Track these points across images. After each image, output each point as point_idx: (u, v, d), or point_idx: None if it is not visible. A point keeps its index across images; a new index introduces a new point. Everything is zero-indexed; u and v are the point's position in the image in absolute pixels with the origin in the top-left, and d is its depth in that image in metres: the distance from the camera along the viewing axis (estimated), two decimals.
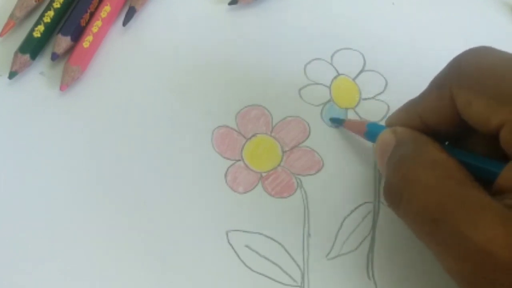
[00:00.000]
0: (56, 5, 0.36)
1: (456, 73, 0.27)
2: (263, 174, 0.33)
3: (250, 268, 0.31)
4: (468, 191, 0.24)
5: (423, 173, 0.25)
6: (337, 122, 0.34)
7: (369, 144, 0.33)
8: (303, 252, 0.31)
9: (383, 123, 0.32)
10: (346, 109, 0.35)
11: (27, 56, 0.35)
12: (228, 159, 0.33)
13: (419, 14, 0.38)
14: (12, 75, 0.35)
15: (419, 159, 0.26)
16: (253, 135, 0.34)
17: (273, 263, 0.31)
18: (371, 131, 0.31)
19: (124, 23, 0.37)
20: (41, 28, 0.35)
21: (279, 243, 0.32)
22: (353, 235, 0.32)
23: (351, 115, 0.35)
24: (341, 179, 0.33)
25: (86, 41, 0.35)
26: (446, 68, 0.28)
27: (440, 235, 0.24)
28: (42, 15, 0.36)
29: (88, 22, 0.36)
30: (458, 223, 0.23)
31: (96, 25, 0.36)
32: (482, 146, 0.27)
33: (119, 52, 0.37)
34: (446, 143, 0.29)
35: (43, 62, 0.36)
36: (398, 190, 0.26)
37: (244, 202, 0.32)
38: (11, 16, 0.36)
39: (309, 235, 0.32)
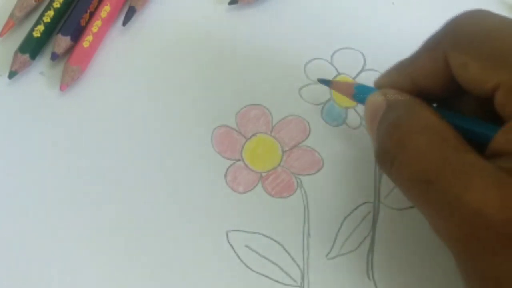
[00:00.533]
0: (56, 5, 0.36)
1: (451, 35, 0.26)
2: (263, 174, 0.33)
3: (250, 268, 0.31)
4: (461, 155, 0.24)
5: (416, 138, 0.25)
6: (324, 83, 0.33)
7: (369, 143, 0.33)
8: (303, 252, 0.31)
9: None
10: (346, 108, 0.35)
11: (27, 56, 0.35)
12: (228, 159, 0.33)
13: (419, 14, 0.38)
14: (12, 75, 0.35)
15: (412, 123, 0.25)
16: (253, 135, 0.34)
17: (273, 263, 0.31)
18: (359, 93, 0.30)
19: (124, 23, 0.37)
20: (41, 28, 0.35)
21: (279, 243, 0.32)
22: (353, 235, 0.32)
23: (351, 115, 0.35)
24: (341, 179, 0.33)
25: (86, 41, 0.35)
26: (441, 29, 0.27)
27: (432, 196, 0.24)
28: (42, 15, 0.36)
29: (88, 22, 0.36)
30: (451, 185, 0.23)
31: (96, 25, 0.36)
32: (471, 108, 0.27)
33: (119, 52, 0.37)
34: (434, 104, 0.28)
35: (43, 62, 0.36)
36: (391, 155, 0.26)
37: (244, 202, 0.32)
38: (11, 16, 0.36)
39: (309, 235, 0.32)
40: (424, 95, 0.27)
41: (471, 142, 0.25)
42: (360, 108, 0.35)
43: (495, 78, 0.24)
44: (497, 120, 0.25)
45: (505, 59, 0.24)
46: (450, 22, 0.27)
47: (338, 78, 0.36)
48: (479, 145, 0.25)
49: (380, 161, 0.27)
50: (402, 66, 0.29)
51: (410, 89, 0.28)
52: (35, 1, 0.37)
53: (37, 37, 0.35)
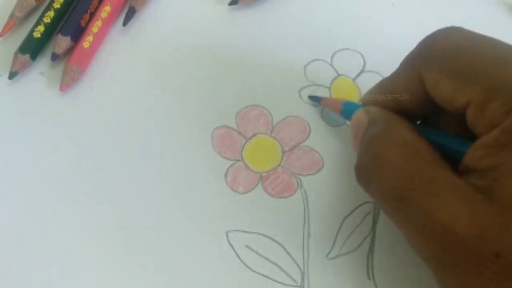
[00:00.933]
0: (56, 5, 0.36)
1: (425, 53, 0.27)
2: (263, 174, 0.33)
3: (250, 268, 0.31)
4: (434, 171, 0.24)
5: (391, 153, 0.25)
6: (315, 100, 0.35)
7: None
8: (303, 252, 0.31)
9: None
10: None
11: (27, 57, 0.35)
12: (228, 159, 0.33)
13: (419, 14, 0.38)
14: (12, 75, 0.35)
15: (388, 138, 0.26)
16: (253, 135, 0.34)
17: (273, 263, 0.31)
18: (346, 110, 0.31)
19: (124, 23, 0.37)
20: (41, 28, 0.36)
21: (279, 243, 0.32)
22: (353, 235, 0.32)
23: None
24: (341, 179, 0.33)
25: (86, 42, 0.35)
26: (416, 48, 0.28)
27: (406, 212, 0.24)
28: (42, 15, 0.36)
29: (88, 23, 0.36)
30: (423, 201, 0.24)
31: (96, 25, 0.36)
32: (452, 125, 0.27)
33: (119, 52, 0.37)
34: (418, 122, 0.29)
35: (43, 63, 0.36)
36: (367, 169, 0.26)
37: (244, 202, 0.32)
38: (11, 16, 0.36)
39: (309, 235, 0.32)
40: (405, 112, 0.28)
41: (451, 159, 0.25)
42: None
43: (465, 95, 0.24)
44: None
45: (474, 76, 0.24)
46: (424, 40, 0.28)
47: (338, 79, 0.36)
48: (458, 162, 0.25)
49: (358, 177, 0.27)
50: (384, 84, 0.29)
51: (392, 107, 0.28)
52: (35, 2, 0.37)
53: (37, 38, 0.35)
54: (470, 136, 0.25)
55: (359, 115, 0.29)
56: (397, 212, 0.25)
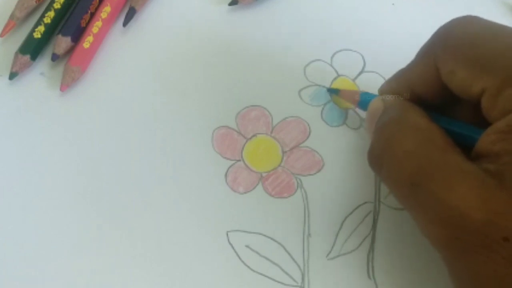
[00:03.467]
0: (57, 5, 0.36)
1: (441, 41, 0.27)
2: (263, 174, 0.33)
3: (250, 268, 0.31)
4: (447, 156, 0.24)
5: (404, 138, 0.26)
6: (333, 92, 0.35)
7: (369, 144, 0.33)
8: (303, 252, 0.31)
9: None
10: (347, 109, 0.35)
11: (27, 57, 0.35)
12: (228, 159, 0.33)
13: (419, 14, 0.38)
14: (12, 75, 0.35)
15: (401, 124, 0.26)
16: (253, 136, 0.34)
17: (273, 263, 0.31)
18: (364, 100, 0.31)
19: (124, 24, 0.37)
20: (41, 28, 0.36)
21: (279, 243, 0.32)
22: (353, 235, 0.32)
23: (351, 116, 0.35)
24: (341, 179, 0.33)
25: (87, 42, 0.35)
26: (432, 37, 0.28)
27: (418, 198, 0.24)
28: (42, 16, 0.36)
29: (88, 23, 0.36)
30: (434, 186, 0.24)
31: (96, 26, 0.36)
32: (467, 115, 0.28)
33: (119, 52, 0.37)
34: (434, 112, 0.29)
35: (44, 63, 0.36)
36: (379, 154, 0.27)
37: (244, 202, 0.32)
38: (12, 16, 0.36)
39: (309, 235, 0.32)
40: (421, 101, 0.28)
41: (464, 146, 0.25)
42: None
43: (480, 83, 0.25)
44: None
45: (490, 64, 0.25)
46: (440, 29, 0.28)
47: (338, 80, 0.36)
48: (471, 149, 0.25)
49: (371, 162, 0.28)
50: (400, 74, 0.29)
51: (408, 97, 0.28)
52: (36, 2, 0.37)
53: (38, 38, 0.35)
54: (484, 126, 0.25)
55: (376, 103, 0.29)
56: (408, 198, 0.25)
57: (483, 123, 0.25)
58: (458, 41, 0.26)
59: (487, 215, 0.22)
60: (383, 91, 0.30)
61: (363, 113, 0.35)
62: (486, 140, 0.24)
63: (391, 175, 0.26)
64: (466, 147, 0.25)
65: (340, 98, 0.34)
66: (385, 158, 0.26)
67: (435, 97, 0.28)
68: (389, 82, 0.30)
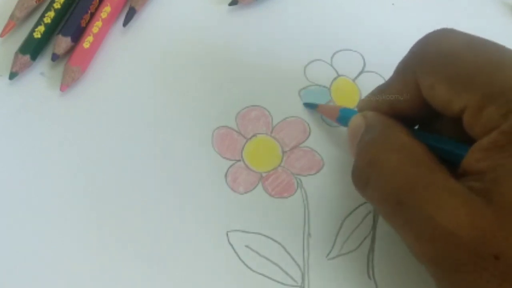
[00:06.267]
0: (57, 5, 0.36)
1: (419, 57, 0.27)
2: (263, 174, 0.33)
3: (250, 268, 0.31)
4: (432, 174, 0.24)
5: (388, 157, 0.25)
6: (310, 107, 0.35)
7: None
8: (303, 252, 0.31)
9: None
10: None
11: (27, 57, 0.35)
12: (228, 159, 0.34)
13: (419, 14, 0.38)
14: (12, 75, 0.35)
15: (385, 142, 0.26)
16: (253, 136, 0.34)
17: (273, 263, 0.31)
18: (343, 116, 0.31)
19: (124, 24, 0.37)
20: (41, 28, 0.36)
21: (279, 243, 0.32)
22: (353, 235, 0.32)
23: None
24: (341, 179, 0.33)
25: (87, 42, 0.35)
26: (409, 52, 0.28)
27: (404, 216, 0.24)
28: (42, 16, 0.36)
29: (88, 23, 0.36)
30: (422, 204, 0.24)
31: (96, 26, 0.36)
32: (450, 129, 0.28)
33: (120, 52, 0.37)
34: (416, 127, 0.29)
35: (44, 63, 0.36)
36: (364, 173, 0.26)
37: (244, 202, 0.32)
38: (12, 16, 0.36)
39: (309, 235, 0.32)
40: (403, 117, 0.28)
41: (448, 163, 0.25)
42: None
43: (462, 99, 0.24)
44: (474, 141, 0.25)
45: (470, 80, 0.24)
46: (416, 44, 0.28)
47: (338, 80, 0.36)
48: (456, 165, 0.25)
49: (355, 182, 0.27)
50: (380, 90, 0.29)
51: (388, 112, 0.28)
52: (36, 2, 0.37)
53: (38, 38, 0.35)
54: (468, 140, 0.25)
55: (356, 120, 0.29)
56: (395, 216, 0.25)
57: (466, 138, 0.25)
58: (436, 57, 0.26)
59: (476, 232, 0.22)
60: (363, 107, 0.30)
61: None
62: (471, 158, 0.24)
63: (376, 194, 0.26)
64: (449, 162, 0.25)
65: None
66: (370, 176, 0.26)
67: (416, 113, 0.28)
68: (368, 99, 0.30)
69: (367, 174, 0.26)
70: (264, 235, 0.32)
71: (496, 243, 0.22)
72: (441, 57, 0.26)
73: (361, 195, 0.27)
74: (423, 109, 0.27)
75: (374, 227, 0.32)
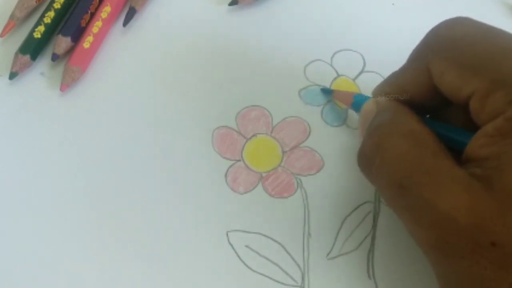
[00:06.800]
0: (57, 5, 0.36)
1: (431, 44, 0.27)
2: (263, 174, 0.33)
3: (250, 268, 0.31)
4: (437, 161, 0.24)
5: (396, 141, 0.26)
6: (326, 92, 0.35)
7: None
8: (303, 252, 0.31)
9: None
10: (347, 109, 0.35)
11: (27, 57, 0.35)
12: (228, 159, 0.34)
13: (419, 14, 0.38)
14: (12, 75, 0.35)
15: (393, 127, 0.26)
16: (253, 136, 0.34)
17: (273, 263, 0.31)
18: (357, 102, 0.31)
19: (125, 24, 0.37)
20: (41, 28, 0.36)
21: (279, 243, 0.32)
22: (354, 235, 0.32)
23: (351, 115, 0.35)
24: (341, 179, 0.33)
25: (87, 42, 0.35)
26: (423, 39, 0.28)
27: (406, 200, 0.24)
28: (42, 16, 0.36)
29: (88, 23, 0.36)
30: (423, 190, 0.24)
31: (96, 26, 0.36)
32: (460, 118, 0.28)
33: (120, 52, 0.37)
34: (428, 116, 0.29)
35: (44, 63, 0.36)
36: (370, 155, 0.26)
37: (244, 202, 0.32)
38: (12, 16, 0.36)
39: (309, 235, 0.32)
40: (414, 105, 0.28)
41: (456, 151, 0.25)
42: None
43: (470, 85, 0.24)
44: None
45: (479, 67, 0.25)
46: (430, 31, 0.28)
47: (338, 80, 0.36)
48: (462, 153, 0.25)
49: (360, 162, 0.28)
50: (393, 77, 0.29)
51: (400, 99, 0.28)
52: (36, 2, 0.37)
53: (38, 38, 0.35)
54: (475, 130, 0.25)
55: (369, 105, 0.29)
56: (397, 199, 0.25)
57: (474, 128, 0.25)
58: (448, 43, 0.26)
59: (474, 219, 0.22)
60: (376, 93, 0.30)
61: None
62: (475, 144, 0.24)
63: (380, 176, 0.26)
64: (457, 151, 0.25)
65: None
66: (375, 159, 0.26)
67: (427, 100, 0.28)
68: (382, 85, 0.30)
69: (373, 157, 0.26)
70: (264, 235, 0.32)
71: (493, 230, 0.22)
72: (452, 43, 0.26)
73: (365, 177, 0.27)
74: (434, 97, 0.27)
75: (374, 227, 0.32)
